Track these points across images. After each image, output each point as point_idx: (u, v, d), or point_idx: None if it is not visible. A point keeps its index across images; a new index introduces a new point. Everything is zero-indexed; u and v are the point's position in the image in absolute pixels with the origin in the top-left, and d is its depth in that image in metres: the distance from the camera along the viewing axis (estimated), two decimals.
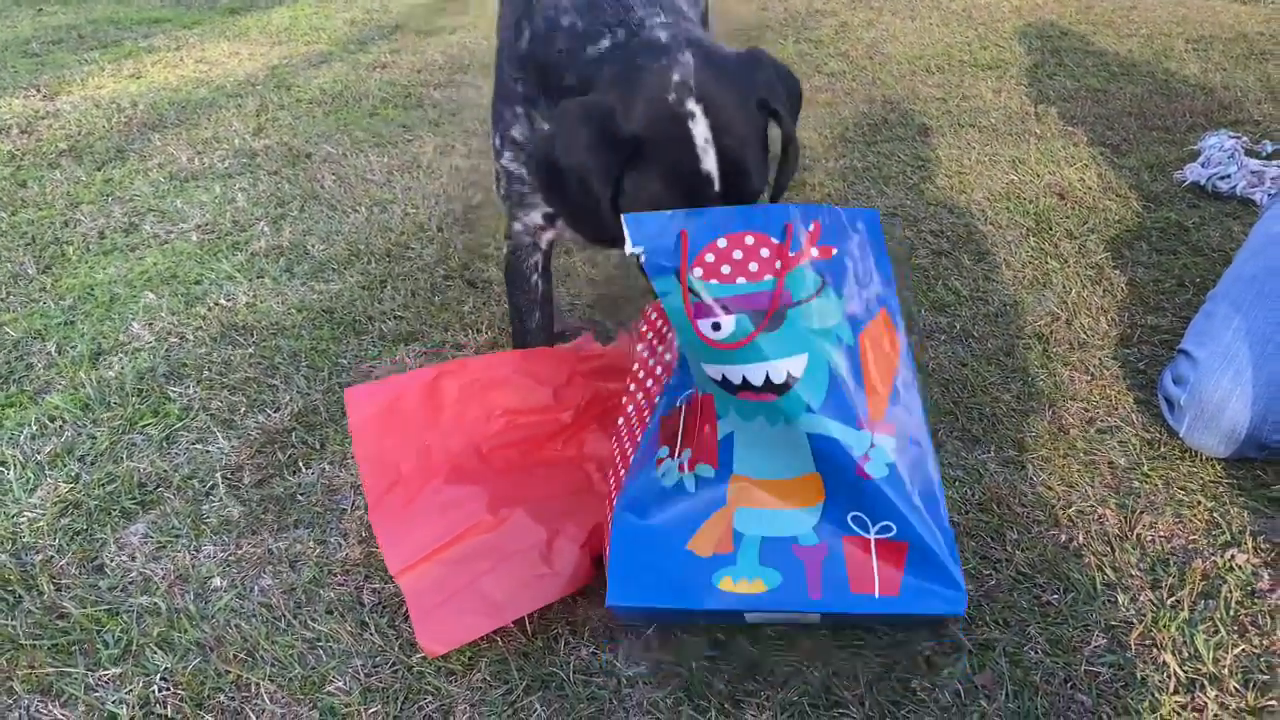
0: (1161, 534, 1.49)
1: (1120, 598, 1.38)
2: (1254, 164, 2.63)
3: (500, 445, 1.52)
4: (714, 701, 1.24)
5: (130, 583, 1.46)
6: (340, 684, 1.29)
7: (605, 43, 1.27)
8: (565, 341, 1.95)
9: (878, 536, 1.21)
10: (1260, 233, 1.86)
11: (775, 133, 1.34)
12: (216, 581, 1.46)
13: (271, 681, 1.29)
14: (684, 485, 1.28)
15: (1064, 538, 1.49)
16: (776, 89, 1.26)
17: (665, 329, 1.45)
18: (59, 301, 2.24)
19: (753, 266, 1.23)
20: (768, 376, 1.22)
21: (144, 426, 1.80)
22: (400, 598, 1.39)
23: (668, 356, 1.42)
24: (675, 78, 1.17)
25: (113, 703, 1.27)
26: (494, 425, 1.53)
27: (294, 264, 2.39)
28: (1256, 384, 1.58)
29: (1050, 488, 1.59)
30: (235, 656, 1.33)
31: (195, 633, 1.37)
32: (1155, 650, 1.29)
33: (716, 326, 1.21)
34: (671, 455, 1.31)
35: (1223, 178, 2.60)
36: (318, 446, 1.74)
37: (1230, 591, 1.37)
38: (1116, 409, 1.78)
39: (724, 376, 1.24)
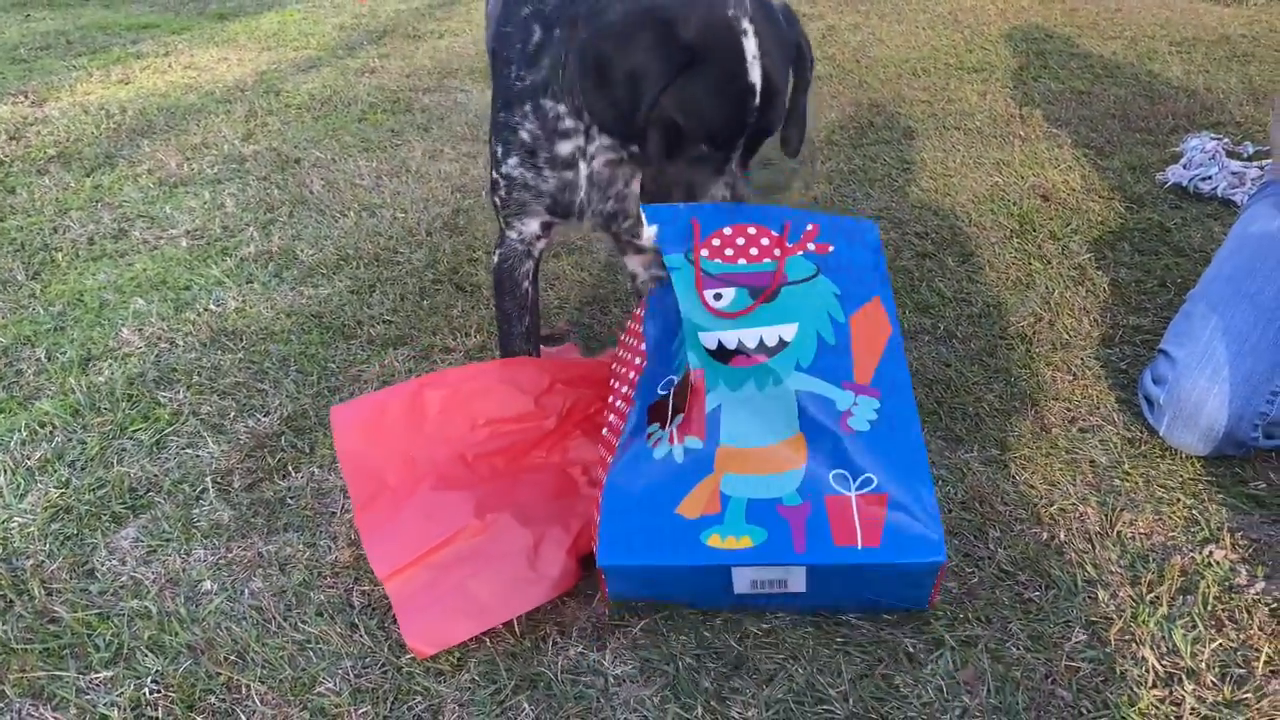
0: (1141, 531, 1.51)
1: (1100, 594, 1.40)
2: (1235, 165, 2.66)
3: (485, 453, 1.53)
4: (700, 699, 1.26)
5: (121, 586, 1.47)
6: (330, 685, 1.30)
7: None
8: (551, 345, 1.97)
9: (859, 492, 1.27)
10: (1237, 233, 1.89)
11: None
12: (207, 585, 1.47)
13: (262, 683, 1.30)
14: (673, 455, 1.33)
15: (1045, 535, 1.51)
16: (804, 39, 1.39)
17: (639, 329, 1.52)
18: (48, 308, 2.25)
19: (753, 251, 1.41)
20: (761, 339, 1.37)
21: (134, 431, 1.81)
22: (389, 599, 1.41)
23: (637, 361, 1.48)
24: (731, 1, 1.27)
25: (104, 705, 1.28)
26: (478, 434, 1.54)
27: (283, 269, 2.41)
28: (1234, 382, 1.61)
29: (1032, 486, 1.61)
30: (226, 659, 1.34)
31: (186, 635, 1.38)
32: (1134, 645, 1.31)
33: (719, 296, 1.39)
34: (662, 428, 1.36)
35: (1204, 179, 2.64)
36: (307, 450, 1.75)
37: (1208, 587, 1.39)
38: (1098, 408, 1.80)
39: (719, 343, 1.36)
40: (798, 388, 1.34)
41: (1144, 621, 1.35)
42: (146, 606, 1.43)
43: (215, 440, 1.78)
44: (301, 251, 2.48)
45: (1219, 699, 1.24)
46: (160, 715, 1.27)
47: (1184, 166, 2.71)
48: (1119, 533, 1.51)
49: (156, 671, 1.32)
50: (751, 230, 1.42)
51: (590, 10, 1.37)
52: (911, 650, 1.31)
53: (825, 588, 1.30)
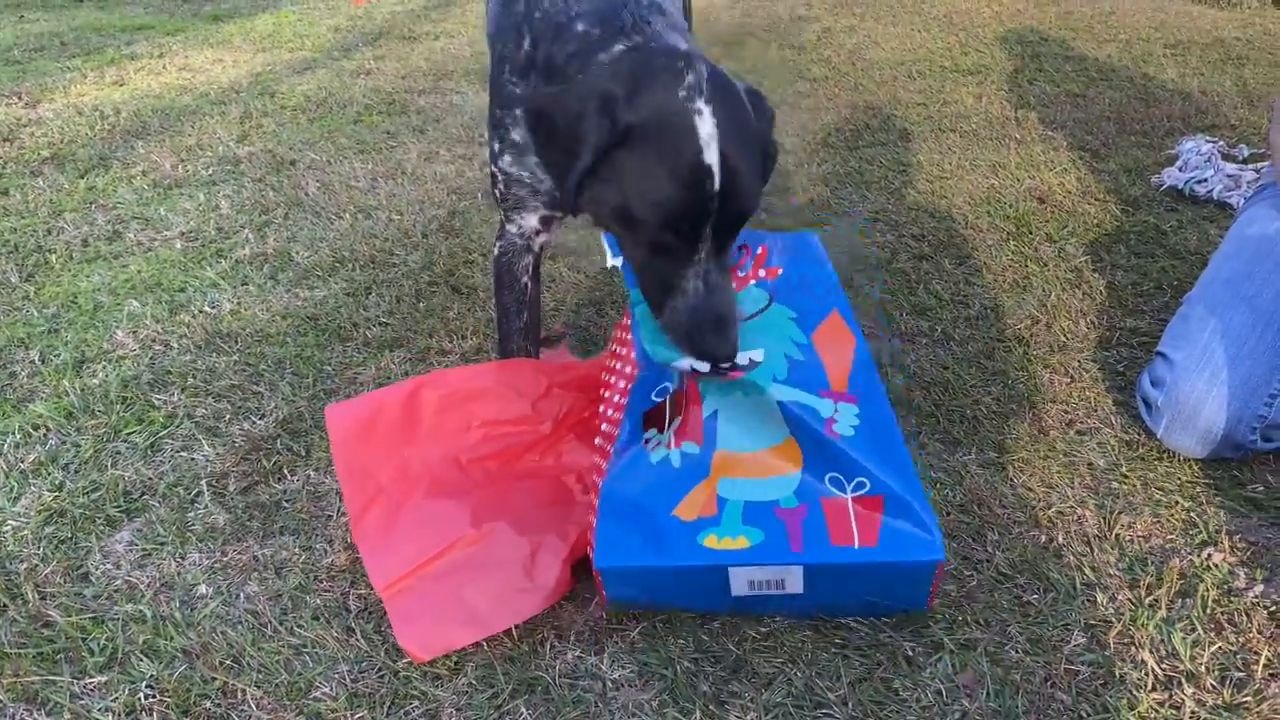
0: (1140, 534, 1.51)
1: (1099, 597, 1.39)
2: (1230, 168, 2.66)
3: (479, 456, 1.53)
4: (699, 703, 1.25)
5: (115, 590, 1.46)
6: (326, 689, 1.29)
7: (619, 47, 1.29)
8: (549, 346, 1.96)
9: (854, 495, 1.27)
10: (1235, 236, 1.89)
11: None
12: (202, 589, 1.46)
13: (258, 688, 1.30)
14: (670, 460, 1.33)
15: (1044, 538, 1.50)
16: (769, 117, 1.31)
17: (628, 338, 1.51)
18: (42, 310, 2.24)
19: None
20: (733, 361, 1.32)
21: (128, 434, 1.80)
22: (386, 610, 1.40)
23: (628, 369, 1.48)
24: (689, 79, 1.19)
25: (99, 711, 1.27)
26: (472, 436, 1.54)
27: (278, 271, 2.40)
28: (1232, 385, 1.61)
29: (1030, 489, 1.61)
30: (221, 663, 1.33)
31: (181, 640, 1.37)
32: (1134, 649, 1.31)
33: None
34: (660, 433, 1.36)
35: (1200, 181, 2.64)
36: (303, 453, 1.74)
37: (1207, 590, 1.39)
38: (1096, 411, 1.80)
39: (692, 367, 1.32)
40: (780, 398, 1.32)
41: (1143, 624, 1.34)
42: (141, 611, 1.42)
43: (210, 443, 1.77)
44: (297, 254, 2.47)
45: (1218, 702, 1.23)
46: None
47: (1179, 169, 2.72)
48: (1117, 535, 1.51)
49: (151, 676, 1.32)
50: None
51: (547, 61, 1.38)
52: (910, 654, 1.31)
53: (823, 588, 1.30)
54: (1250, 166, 2.69)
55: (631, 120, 1.18)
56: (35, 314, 2.22)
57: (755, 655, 1.32)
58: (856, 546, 1.25)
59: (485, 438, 1.54)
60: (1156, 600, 1.38)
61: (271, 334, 2.12)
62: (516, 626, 1.37)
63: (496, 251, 1.66)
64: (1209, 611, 1.36)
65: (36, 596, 1.45)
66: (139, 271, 2.41)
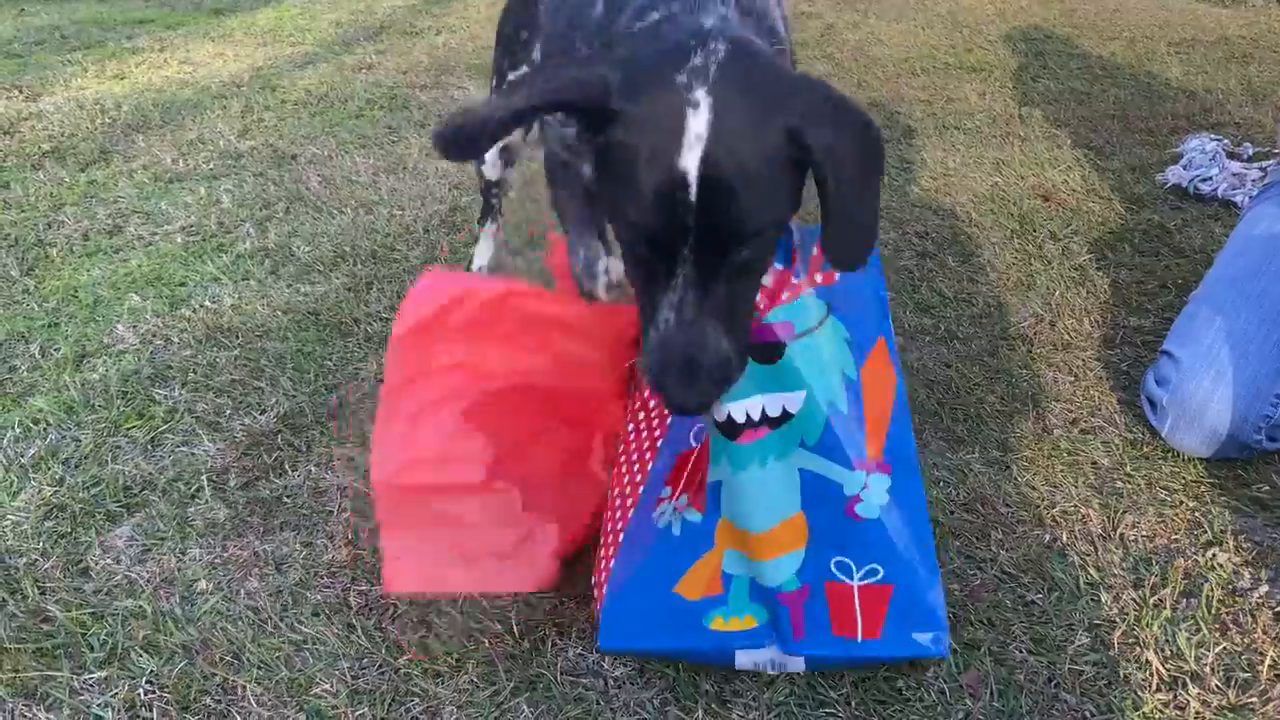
0: (1144, 533, 1.50)
1: (1103, 597, 1.39)
2: (1235, 166, 2.65)
3: (528, 384, 1.40)
4: (701, 702, 1.25)
5: (115, 586, 1.46)
6: (327, 686, 1.29)
7: (655, 15, 1.12)
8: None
9: (861, 583, 1.18)
10: (1241, 234, 1.88)
11: None
12: (202, 584, 1.45)
13: (258, 684, 1.29)
14: (671, 529, 1.26)
15: (1048, 537, 1.50)
16: (823, 126, 0.98)
17: None
18: (42, 304, 2.23)
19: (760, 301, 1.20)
20: (764, 410, 1.19)
21: (129, 429, 1.80)
22: (387, 602, 1.40)
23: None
24: (695, 60, 0.98)
25: (98, 706, 1.26)
26: (541, 359, 1.41)
27: (279, 266, 2.39)
28: (1238, 384, 1.60)
29: (1034, 488, 1.60)
30: (221, 659, 1.33)
31: (181, 635, 1.37)
32: (1138, 649, 1.31)
33: None
34: (671, 497, 1.29)
35: (1204, 180, 2.63)
36: (304, 449, 1.74)
37: (1212, 590, 1.39)
38: (1100, 410, 1.80)
39: (729, 416, 1.19)
40: (802, 465, 1.20)
41: (1147, 625, 1.34)
42: (141, 606, 1.41)
43: (211, 438, 1.76)
44: (298, 248, 2.47)
45: (1224, 703, 1.23)
46: (155, 716, 1.25)
47: (1184, 167, 2.71)
48: (1121, 535, 1.50)
49: (151, 672, 1.31)
50: None
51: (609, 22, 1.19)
52: None
53: (827, 666, 1.26)
54: (1256, 165, 2.68)
55: (622, 106, 0.98)
56: (35, 308, 2.21)
57: None
58: (859, 639, 1.19)
59: (554, 366, 1.42)
60: (1161, 600, 1.38)
61: (272, 329, 2.11)
62: (518, 624, 1.37)
63: (544, 153, 1.50)
64: (1214, 612, 1.36)
65: (36, 591, 1.44)
66: (139, 266, 2.40)
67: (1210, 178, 2.63)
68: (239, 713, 1.25)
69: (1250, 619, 1.34)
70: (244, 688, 1.28)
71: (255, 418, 1.82)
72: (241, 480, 1.66)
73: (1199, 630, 1.33)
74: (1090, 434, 1.73)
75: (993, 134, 3.15)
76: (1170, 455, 1.67)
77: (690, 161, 0.94)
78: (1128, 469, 1.64)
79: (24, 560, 1.50)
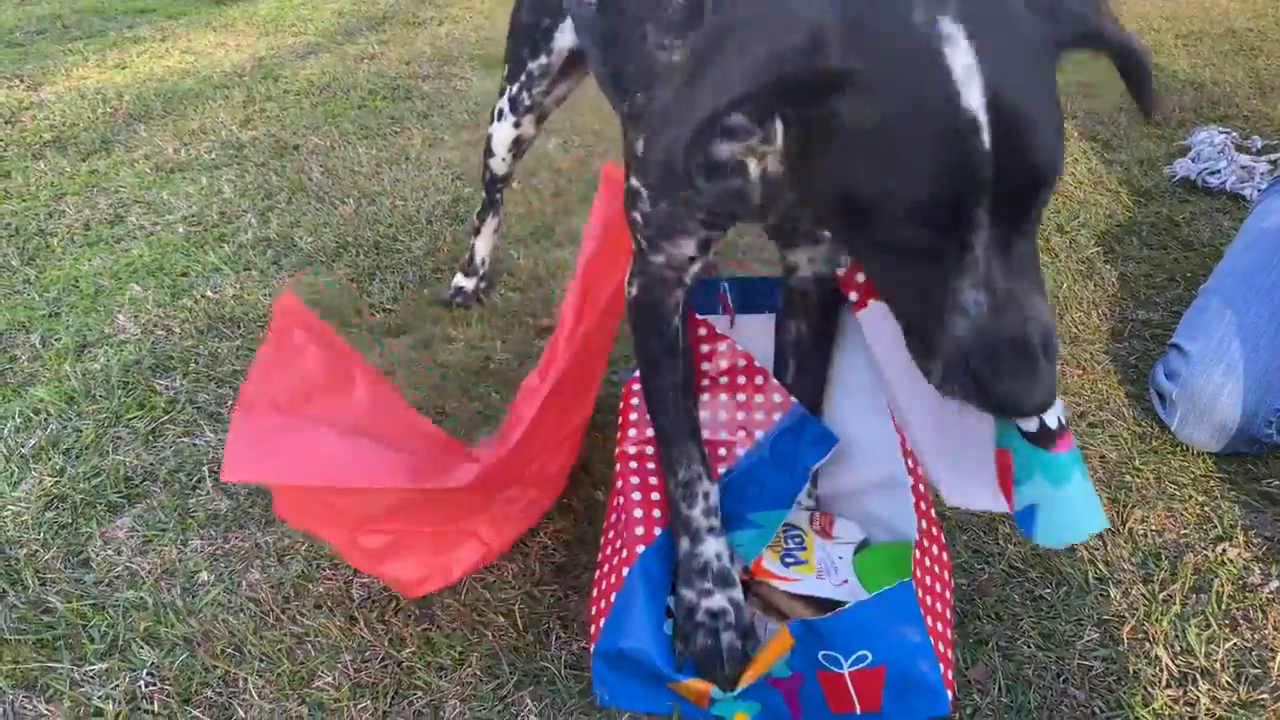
0: (1153, 528, 1.49)
1: (1112, 592, 1.38)
2: (1244, 159, 2.63)
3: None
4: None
5: (116, 577, 1.45)
6: (329, 679, 1.28)
7: None
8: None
9: (852, 669, 1.13)
10: (1251, 227, 1.86)
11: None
12: (204, 576, 1.44)
13: (259, 676, 1.28)
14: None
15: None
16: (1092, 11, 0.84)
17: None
18: (43, 293, 2.22)
19: None
20: (1059, 415, 1.08)
21: (130, 419, 1.78)
22: (390, 592, 1.38)
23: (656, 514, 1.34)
24: None
25: (99, 698, 1.26)
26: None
27: (281, 256, 2.37)
28: (1248, 378, 1.59)
29: None
30: (223, 651, 1.32)
31: (182, 627, 1.36)
32: (1147, 644, 1.29)
33: None
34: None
35: (1213, 173, 2.61)
36: None
37: (1222, 585, 1.37)
38: (1108, 403, 1.78)
39: (1041, 421, 1.07)
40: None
41: (1157, 620, 1.33)
42: (142, 597, 1.40)
43: (212, 429, 1.75)
44: (300, 239, 2.45)
45: (1234, 699, 1.22)
46: (156, 709, 1.24)
47: (1192, 160, 2.68)
48: (1130, 530, 1.49)
49: (152, 664, 1.30)
50: None
51: None
52: None
53: None
54: (1264, 158, 2.66)
55: (851, 63, 0.79)
56: (36, 297, 2.20)
57: None
58: (859, 713, 1.16)
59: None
60: (1171, 595, 1.36)
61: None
62: (521, 617, 1.36)
63: (635, 291, 1.28)
64: (1224, 607, 1.34)
65: (36, 582, 1.43)
66: (141, 255, 2.39)
67: (1219, 170, 2.61)
68: (240, 705, 1.25)
69: (1261, 615, 1.33)
70: (245, 680, 1.27)
71: None
72: None
73: (1209, 626, 1.32)
74: (1098, 427, 1.72)
75: None
76: (1179, 449, 1.66)
77: (974, 98, 0.76)
78: (1136, 463, 1.63)
79: (24, 551, 1.49)
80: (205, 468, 1.65)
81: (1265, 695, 1.22)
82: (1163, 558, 1.43)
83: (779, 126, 0.89)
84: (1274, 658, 1.27)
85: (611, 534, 1.35)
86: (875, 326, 1.22)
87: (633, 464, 1.38)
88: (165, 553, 1.49)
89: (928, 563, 1.24)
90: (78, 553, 1.49)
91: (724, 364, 1.40)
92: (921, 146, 0.77)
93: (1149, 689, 1.23)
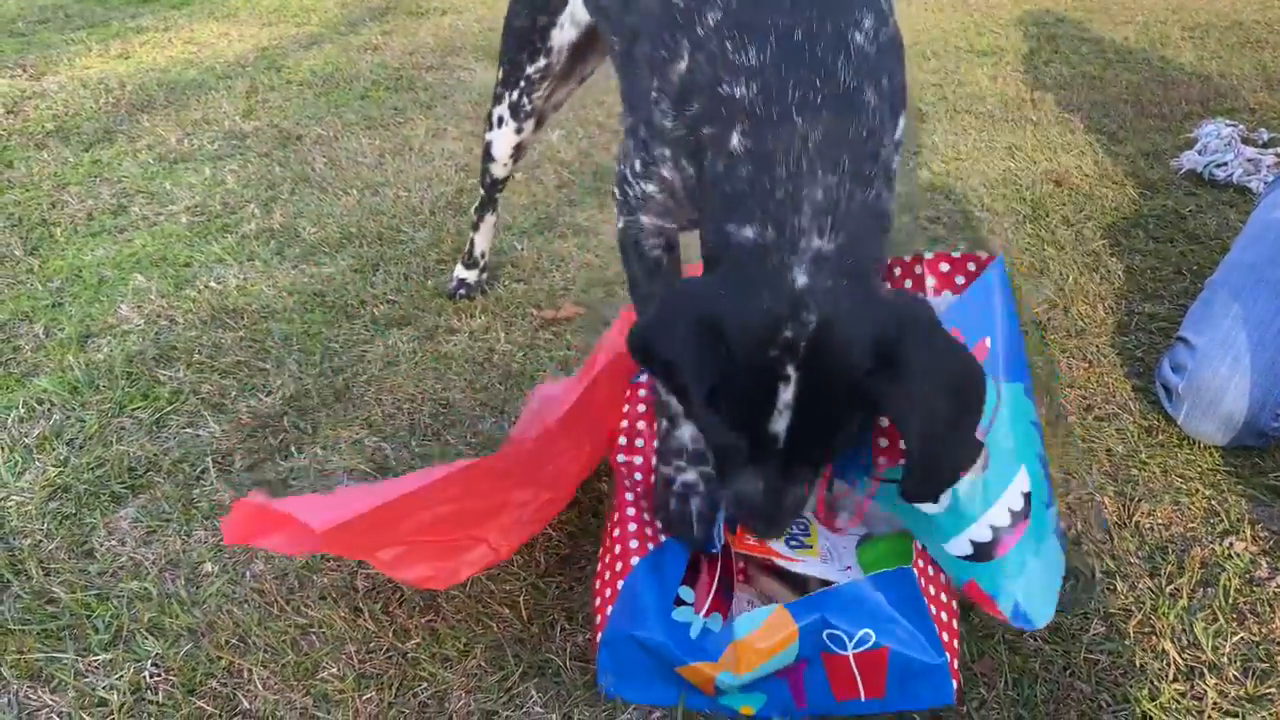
0: (1160, 522, 1.49)
1: (1119, 585, 1.37)
2: (1250, 152, 2.62)
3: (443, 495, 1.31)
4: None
5: (120, 567, 1.44)
6: (333, 670, 1.27)
7: (749, 233, 1.05)
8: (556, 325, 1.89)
9: (856, 651, 1.14)
10: (1258, 220, 1.86)
11: None
12: (208, 567, 1.44)
13: (264, 668, 1.28)
14: (691, 627, 1.20)
15: (1063, 525, 1.48)
16: (908, 382, 1.02)
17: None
18: (46, 283, 2.21)
19: None
20: (1009, 510, 1.19)
21: (133, 410, 1.78)
22: (395, 584, 1.38)
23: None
24: (786, 335, 1.01)
25: (103, 689, 1.25)
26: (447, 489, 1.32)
27: (285, 247, 2.37)
28: (1255, 371, 1.58)
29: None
30: (227, 642, 1.32)
31: (186, 618, 1.35)
32: (1154, 638, 1.29)
33: (936, 499, 1.18)
34: (697, 609, 1.24)
35: (1219, 165, 2.60)
36: (310, 431, 1.72)
37: (1229, 579, 1.37)
38: (1114, 396, 1.78)
39: (971, 543, 1.20)
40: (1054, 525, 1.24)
41: (1164, 614, 1.32)
42: (146, 588, 1.40)
43: (216, 420, 1.75)
44: (303, 229, 2.45)
45: (1241, 694, 1.21)
46: (161, 699, 1.24)
47: (1199, 153, 2.67)
48: (1137, 523, 1.48)
49: (156, 654, 1.30)
50: None
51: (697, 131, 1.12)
52: None
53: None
54: (1271, 151, 2.65)
55: (727, 356, 1.04)
56: (39, 287, 2.20)
57: None
58: (863, 699, 1.17)
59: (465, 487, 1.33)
60: (1178, 589, 1.36)
61: (278, 310, 2.09)
62: (526, 608, 1.36)
63: (621, 224, 1.39)
64: (1231, 601, 1.34)
65: (41, 573, 1.43)
66: (144, 246, 2.38)
67: (1225, 163, 2.60)
68: (245, 696, 1.24)
69: (1268, 609, 1.33)
70: (250, 671, 1.27)
71: (261, 399, 1.80)
72: (247, 462, 1.65)
73: (1216, 620, 1.31)
74: (1104, 421, 1.71)
75: (1004, 118, 3.11)
76: (1186, 443, 1.65)
77: (779, 426, 1.06)
78: (1143, 456, 1.62)
79: (28, 541, 1.49)
80: (209, 459, 1.65)
81: (1273, 689, 1.22)
82: (1169, 551, 1.43)
83: None
84: None
85: (616, 532, 1.34)
86: None
87: (635, 476, 1.40)
88: (169, 543, 1.48)
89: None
90: (81, 543, 1.49)
91: None
92: (739, 432, 1.09)
93: (1155, 683, 1.23)
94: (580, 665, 1.28)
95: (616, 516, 1.36)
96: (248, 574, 1.42)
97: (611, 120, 3.08)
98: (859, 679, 1.15)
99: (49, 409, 1.78)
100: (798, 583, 1.31)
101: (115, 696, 1.24)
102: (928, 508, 1.20)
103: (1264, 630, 1.30)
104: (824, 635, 1.14)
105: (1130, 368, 1.85)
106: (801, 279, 1.02)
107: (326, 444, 1.69)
